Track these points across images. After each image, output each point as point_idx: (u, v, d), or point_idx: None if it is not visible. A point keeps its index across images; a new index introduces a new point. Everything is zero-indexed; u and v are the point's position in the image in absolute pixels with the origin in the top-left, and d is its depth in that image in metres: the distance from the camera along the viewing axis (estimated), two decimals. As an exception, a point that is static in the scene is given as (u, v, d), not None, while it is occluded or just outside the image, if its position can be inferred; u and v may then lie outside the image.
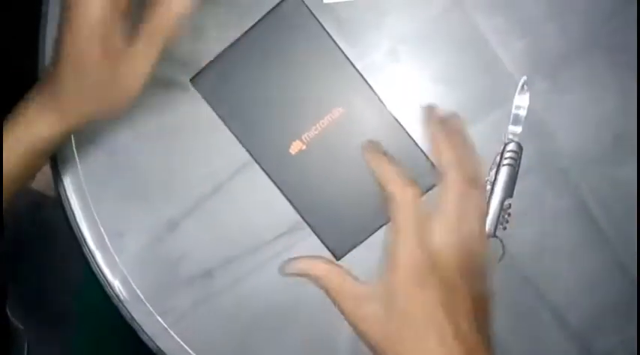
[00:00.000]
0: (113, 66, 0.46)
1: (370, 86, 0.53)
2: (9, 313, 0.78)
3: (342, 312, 0.50)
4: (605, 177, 0.57)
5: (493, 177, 0.57)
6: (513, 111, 0.57)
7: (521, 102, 0.57)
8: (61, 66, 0.48)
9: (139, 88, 0.48)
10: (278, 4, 0.51)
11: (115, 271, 0.59)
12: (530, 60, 0.57)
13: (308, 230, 0.56)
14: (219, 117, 0.53)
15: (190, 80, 0.52)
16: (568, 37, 0.57)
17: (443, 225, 0.48)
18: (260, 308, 0.59)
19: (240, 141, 0.53)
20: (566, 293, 0.59)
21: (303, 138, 0.52)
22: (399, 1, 0.57)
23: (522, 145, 0.57)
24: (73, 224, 0.59)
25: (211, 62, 0.52)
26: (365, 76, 0.54)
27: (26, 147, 0.50)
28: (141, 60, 0.46)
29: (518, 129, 0.57)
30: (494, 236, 0.57)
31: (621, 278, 0.58)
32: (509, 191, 0.57)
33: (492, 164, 0.57)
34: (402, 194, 0.48)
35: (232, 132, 0.53)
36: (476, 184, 0.50)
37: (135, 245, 0.59)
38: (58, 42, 0.48)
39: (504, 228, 0.57)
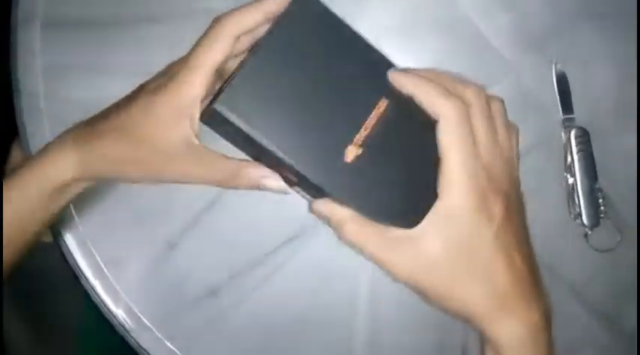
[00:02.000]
0: (182, 158, 0.44)
1: (395, 65, 0.46)
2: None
3: (376, 261, 0.43)
4: (609, 148, 0.56)
5: (569, 169, 0.56)
6: (558, 98, 0.56)
7: (562, 86, 0.56)
8: (117, 124, 0.45)
9: (180, 181, 0.46)
10: (288, 4, 0.44)
11: (118, 300, 0.56)
12: (516, 35, 0.56)
13: (308, 236, 0.55)
14: (254, 139, 0.42)
15: (212, 105, 0.42)
16: (554, 7, 0.56)
17: (486, 147, 0.42)
18: (270, 322, 0.57)
19: (288, 162, 0.43)
20: (582, 271, 0.57)
21: (355, 141, 0.44)
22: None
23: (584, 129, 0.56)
24: (68, 256, 0.57)
25: (231, 80, 0.43)
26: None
27: (44, 188, 0.47)
28: (210, 173, 0.45)
29: (572, 114, 0.56)
30: (597, 224, 0.56)
31: (635, 252, 0.57)
32: (592, 175, 0.55)
33: (565, 155, 0.56)
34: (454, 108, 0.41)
35: (275, 154, 0.43)
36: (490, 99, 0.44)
37: (135, 271, 0.57)
38: (138, 103, 0.45)
39: (605, 212, 0.56)
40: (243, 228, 0.57)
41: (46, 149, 0.48)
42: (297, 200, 0.56)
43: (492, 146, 0.42)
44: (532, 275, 0.42)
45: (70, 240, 0.57)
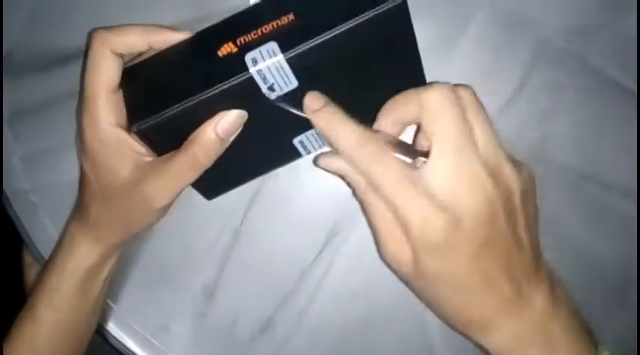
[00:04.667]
0: (144, 180, 0.42)
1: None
2: None
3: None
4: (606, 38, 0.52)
5: None
6: None
7: None
8: (89, 191, 0.45)
9: (170, 202, 0.44)
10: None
11: (176, 366, 0.54)
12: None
13: (342, 237, 0.52)
14: (183, 111, 0.40)
15: (135, 131, 0.42)
16: None
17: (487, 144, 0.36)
18: (336, 332, 0.54)
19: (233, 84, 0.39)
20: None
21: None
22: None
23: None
24: (112, 341, 0.54)
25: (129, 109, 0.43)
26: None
27: (79, 278, 0.47)
28: (176, 174, 0.42)
29: None
30: None
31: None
32: None
33: None
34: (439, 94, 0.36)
35: (212, 95, 0.39)
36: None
37: (183, 330, 0.54)
38: (82, 169, 0.45)
39: None
40: (275, 251, 0.54)
41: (60, 247, 0.48)
42: (319, 207, 0.54)
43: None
44: (529, 267, 0.37)
45: (110, 325, 0.54)
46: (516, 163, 0.37)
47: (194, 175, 0.42)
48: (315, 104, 0.38)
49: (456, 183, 0.35)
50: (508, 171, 0.36)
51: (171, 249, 0.54)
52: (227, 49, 0.40)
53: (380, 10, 0.37)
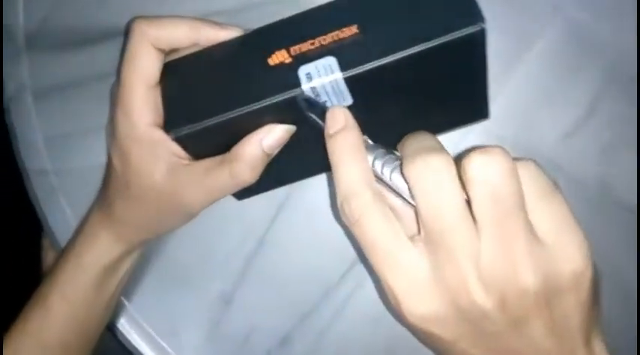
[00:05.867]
0: (182, 189, 0.40)
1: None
2: None
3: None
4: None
5: None
6: None
7: None
8: (116, 185, 0.42)
9: (202, 207, 0.41)
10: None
11: (185, 373, 0.51)
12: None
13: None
14: (223, 120, 0.37)
15: (175, 135, 0.39)
16: None
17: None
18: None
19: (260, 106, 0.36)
20: None
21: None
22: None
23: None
24: (122, 339, 0.52)
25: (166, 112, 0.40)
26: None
27: (96, 273, 0.45)
28: (219, 189, 0.40)
29: None
30: None
31: None
32: None
33: None
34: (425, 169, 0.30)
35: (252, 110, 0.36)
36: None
37: (196, 337, 0.52)
38: (111, 163, 0.42)
39: None
40: (299, 264, 0.51)
41: (80, 238, 0.46)
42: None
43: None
44: None
45: (121, 322, 0.52)
46: (558, 261, 0.29)
47: (237, 189, 0.40)
48: (332, 126, 0.33)
49: (437, 280, 0.30)
50: (522, 278, 0.29)
51: (191, 252, 0.51)
52: (279, 57, 0.36)
53: (454, 37, 0.33)
